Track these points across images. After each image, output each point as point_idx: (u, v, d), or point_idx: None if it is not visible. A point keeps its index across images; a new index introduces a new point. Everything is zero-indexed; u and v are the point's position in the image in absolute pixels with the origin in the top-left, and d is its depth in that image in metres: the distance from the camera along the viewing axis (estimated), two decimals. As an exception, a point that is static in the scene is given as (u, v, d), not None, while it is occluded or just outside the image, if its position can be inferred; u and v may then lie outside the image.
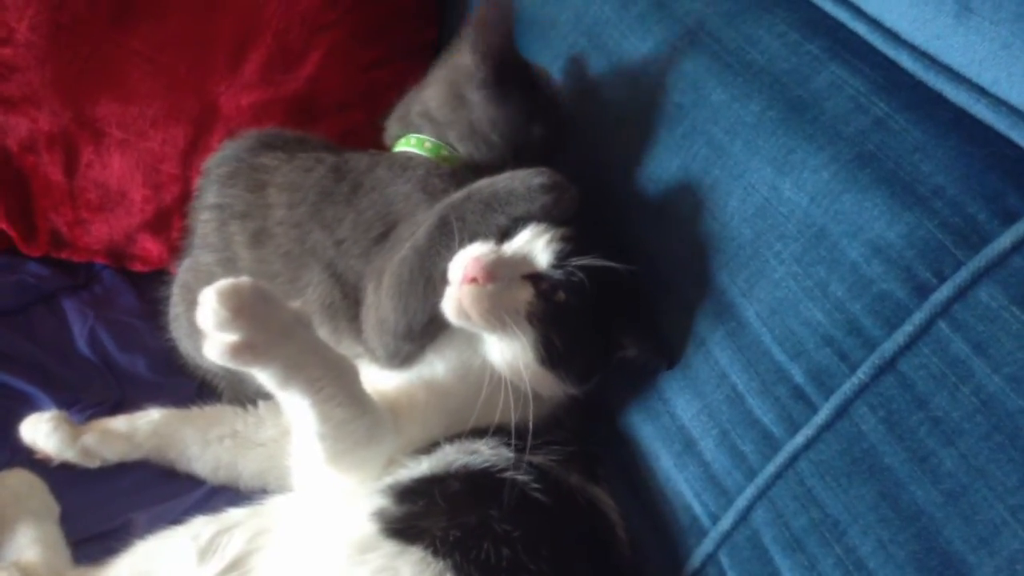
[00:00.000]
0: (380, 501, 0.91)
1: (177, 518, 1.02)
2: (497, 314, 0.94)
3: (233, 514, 1.00)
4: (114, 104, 1.45)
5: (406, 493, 0.92)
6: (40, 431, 1.11)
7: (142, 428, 1.15)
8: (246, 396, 1.18)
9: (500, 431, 0.96)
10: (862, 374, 0.78)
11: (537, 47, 1.38)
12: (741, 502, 0.88)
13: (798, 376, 0.85)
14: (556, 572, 0.85)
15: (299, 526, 0.97)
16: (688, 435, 0.96)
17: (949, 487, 0.71)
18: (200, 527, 0.98)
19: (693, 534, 0.94)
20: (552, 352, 0.96)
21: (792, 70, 0.95)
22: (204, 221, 1.19)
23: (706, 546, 0.92)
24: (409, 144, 1.16)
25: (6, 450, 1.12)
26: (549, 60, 1.33)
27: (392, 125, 1.23)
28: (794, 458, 0.84)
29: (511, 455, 0.93)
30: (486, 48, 1.09)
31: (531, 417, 0.94)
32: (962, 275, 0.73)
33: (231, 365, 0.84)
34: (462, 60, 1.12)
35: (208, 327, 0.81)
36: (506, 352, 0.97)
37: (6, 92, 1.43)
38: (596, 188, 1.18)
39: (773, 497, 0.86)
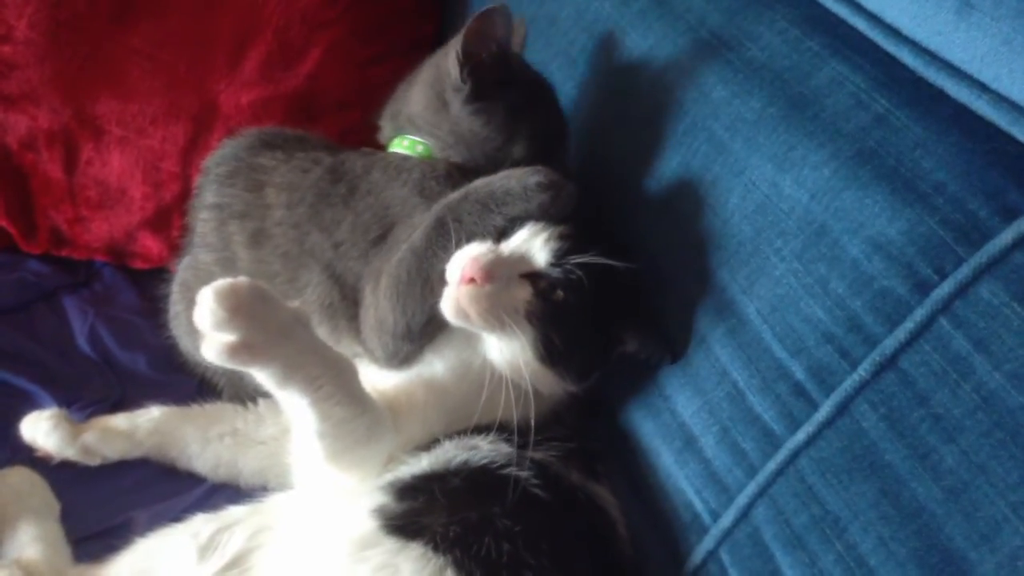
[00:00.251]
0: (380, 498, 0.91)
1: (177, 516, 1.02)
2: (496, 314, 0.94)
3: (233, 512, 1.00)
4: (114, 102, 1.45)
5: (406, 490, 0.92)
6: (40, 429, 1.11)
7: (142, 426, 1.15)
8: (246, 394, 1.19)
9: (500, 428, 0.96)
10: (863, 371, 0.78)
11: (538, 46, 1.38)
12: (742, 499, 0.88)
13: (799, 373, 0.84)
14: (557, 568, 0.85)
15: (299, 524, 0.97)
16: (689, 432, 0.96)
17: (950, 484, 0.71)
18: (200, 525, 0.98)
19: (694, 531, 0.94)
20: (552, 350, 0.96)
21: (793, 67, 0.95)
22: (203, 220, 1.19)
23: (707, 543, 0.92)
24: (402, 146, 1.16)
25: (6, 448, 1.12)
26: (549, 58, 1.33)
27: (385, 125, 1.22)
28: (795, 455, 0.84)
29: (511, 451, 0.93)
30: (472, 61, 1.07)
31: (532, 414, 0.94)
32: (963, 272, 0.73)
33: (229, 365, 0.84)
34: (447, 68, 1.10)
35: (205, 327, 0.81)
36: (505, 351, 0.97)
37: (6, 90, 1.43)
38: (597, 185, 1.18)
39: (774, 494, 0.86)
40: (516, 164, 1.08)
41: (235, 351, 0.82)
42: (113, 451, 1.14)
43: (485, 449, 0.95)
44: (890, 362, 0.77)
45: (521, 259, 0.96)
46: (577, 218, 1.00)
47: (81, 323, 1.38)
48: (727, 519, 0.90)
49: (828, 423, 0.81)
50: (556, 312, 0.96)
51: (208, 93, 1.48)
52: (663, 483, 0.99)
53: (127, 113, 1.45)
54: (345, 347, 1.06)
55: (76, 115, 1.44)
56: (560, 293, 0.96)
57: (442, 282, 0.96)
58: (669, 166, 1.06)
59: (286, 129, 1.27)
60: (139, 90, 1.46)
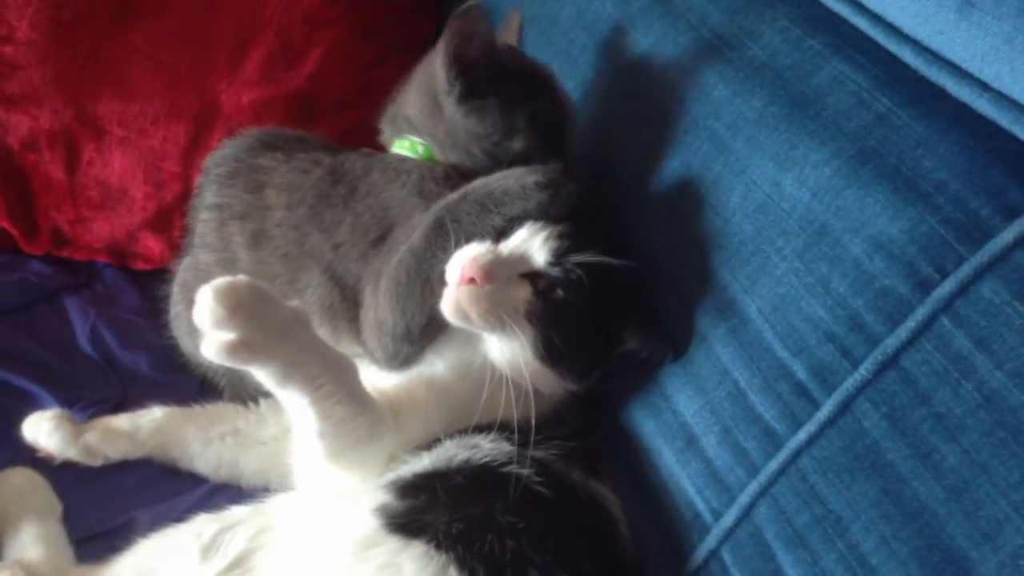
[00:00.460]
0: (382, 497, 0.92)
1: (179, 516, 1.02)
2: (496, 314, 0.94)
3: (236, 512, 1.00)
4: (115, 102, 1.45)
5: (408, 488, 0.92)
6: (42, 429, 1.12)
7: (144, 426, 1.16)
8: (247, 394, 1.19)
9: (501, 427, 0.96)
10: (864, 370, 0.78)
11: (538, 45, 1.38)
12: (744, 498, 0.88)
13: (800, 372, 0.84)
14: (561, 565, 0.85)
15: (302, 524, 0.97)
16: (690, 431, 0.96)
17: (952, 483, 0.71)
18: (202, 525, 0.98)
19: (696, 530, 0.94)
20: (552, 350, 0.96)
21: (794, 66, 0.95)
22: (203, 221, 1.19)
23: (709, 542, 0.92)
24: (403, 147, 1.16)
25: (8, 449, 1.12)
26: (550, 57, 1.33)
27: (385, 127, 1.22)
28: (796, 454, 0.84)
29: (512, 450, 0.93)
30: (459, 62, 1.06)
31: (533, 413, 0.94)
32: (964, 271, 0.73)
33: (229, 364, 0.84)
34: (436, 70, 1.09)
35: (205, 326, 0.81)
36: (506, 350, 0.97)
37: (7, 90, 1.43)
38: (598, 184, 1.18)
39: (776, 494, 0.85)
40: (517, 157, 1.08)
41: (235, 349, 0.82)
42: (115, 451, 1.15)
43: (486, 448, 0.95)
44: (891, 361, 0.76)
45: (520, 259, 0.96)
46: (577, 216, 1.00)
47: (83, 324, 1.38)
48: (729, 518, 0.90)
49: (830, 422, 0.81)
50: (556, 311, 0.96)
51: (209, 93, 1.48)
52: (665, 482, 0.99)
53: (128, 113, 1.45)
54: (345, 347, 1.06)
55: (77, 115, 1.44)
56: (560, 292, 0.96)
57: (442, 283, 0.96)
58: (670, 165, 1.06)
59: (286, 129, 1.27)
60: (140, 90, 1.46)
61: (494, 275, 0.94)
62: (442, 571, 0.82)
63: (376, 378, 1.04)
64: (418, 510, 0.89)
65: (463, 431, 0.98)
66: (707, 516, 0.93)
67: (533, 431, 0.94)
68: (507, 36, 1.23)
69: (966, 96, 0.79)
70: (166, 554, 0.98)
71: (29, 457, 1.12)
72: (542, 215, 0.98)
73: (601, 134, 1.22)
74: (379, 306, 1.02)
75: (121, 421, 1.16)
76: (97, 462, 1.14)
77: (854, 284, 0.81)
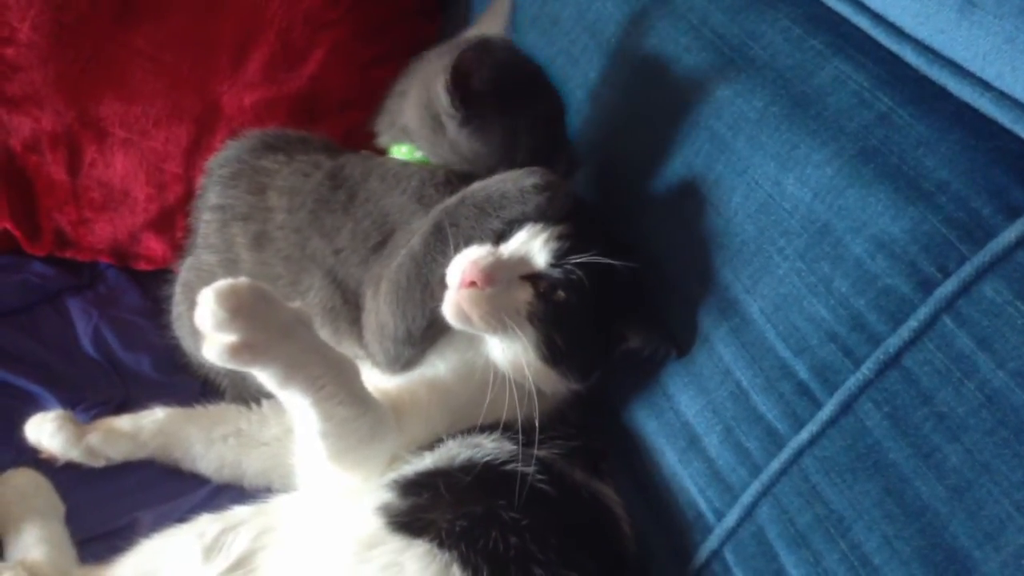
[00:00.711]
0: (384, 495, 0.92)
1: (182, 516, 1.02)
2: (497, 316, 0.94)
3: (238, 512, 1.00)
4: (117, 103, 1.45)
5: (410, 486, 0.92)
6: (45, 430, 1.12)
7: (147, 427, 1.16)
8: (249, 395, 1.19)
9: (503, 427, 0.96)
10: (866, 370, 0.78)
11: (540, 45, 1.38)
12: (746, 498, 0.88)
13: (802, 372, 0.84)
14: (565, 562, 0.85)
15: (304, 524, 0.98)
16: (692, 431, 0.96)
17: (954, 482, 0.71)
18: (205, 525, 0.98)
19: (698, 530, 0.94)
20: (554, 350, 0.96)
21: (795, 65, 0.95)
22: (206, 221, 1.19)
23: (711, 543, 0.92)
24: (401, 152, 1.15)
25: (11, 449, 1.12)
26: (551, 57, 1.33)
27: (381, 131, 1.20)
28: (799, 454, 0.84)
29: (514, 448, 0.93)
30: (463, 92, 1.04)
31: (536, 413, 0.95)
32: (966, 270, 0.73)
33: (230, 366, 0.84)
34: (438, 90, 1.06)
35: (206, 328, 0.81)
36: (508, 352, 0.98)
37: (9, 92, 1.43)
38: (600, 184, 1.18)
39: (778, 493, 0.85)
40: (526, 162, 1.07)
41: (236, 351, 0.82)
42: (117, 452, 1.15)
43: (489, 447, 0.95)
44: (894, 361, 0.76)
45: (521, 261, 0.96)
46: (576, 217, 0.99)
47: (85, 325, 1.38)
48: (731, 518, 0.90)
49: (832, 422, 0.81)
50: (558, 312, 0.96)
51: (211, 94, 1.48)
52: (667, 482, 0.99)
53: (130, 115, 1.45)
54: (347, 349, 1.06)
55: (79, 117, 1.44)
56: (561, 293, 0.96)
57: (442, 286, 0.96)
58: (672, 165, 1.06)
59: (289, 130, 1.26)
60: (142, 92, 1.46)
61: (495, 278, 0.94)
62: (445, 570, 0.82)
63: (378, 379, 1.04)
64: (421, 508, 0.89)
65: (465, 431, 0.98)
66: (709, 516, 0.93)
67: (536, 431, 0.94)
68: (494, 20, 1.22)
69: (968, 95, 0.79)
70: (169, 554, 0.98)
71: (32, 458, 1.12)
72: (540, 217, 0.98)
73: (603, 134, 1.22)
74: (380, 310, 1.02)
75: (123, 422, 1.16)
76: (99, 463, 1.14)
77: (856, 284, 0.81)
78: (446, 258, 0.97)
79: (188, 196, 1.40)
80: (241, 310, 0.81)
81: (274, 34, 1.51)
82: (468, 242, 0.98)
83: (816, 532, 0.81)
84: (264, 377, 0.87)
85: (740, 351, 0.92)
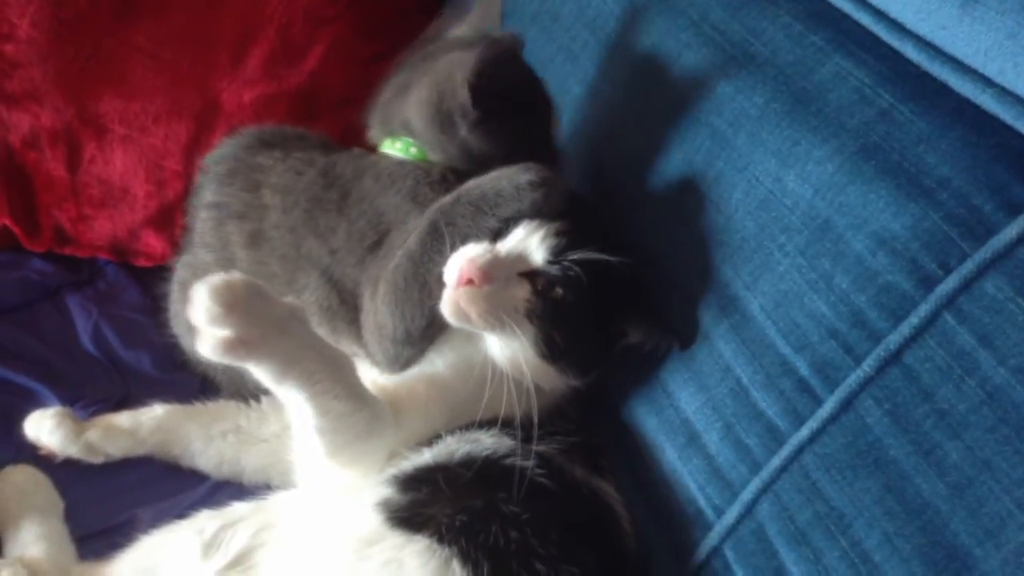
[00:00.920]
0: (384, 491, 0.92)
1: (181, 513, 1.02)
2: (496, 314, 0.94)
3: (237, 509, 1.00)
4: (116, 100, 1.45)
5: (410, 481, 0.92)
6: (44, 427, 1.12)
7: (146, 424, 1.16)
8: (247, 391, 1.19)
9: (502, 422, 0.97)
10: (867, 367, 0.78)
11: (540, 42, 1.38)
12: (746, 495, 0.88)
13: (803, 369, 0.84)
14: (566, 557, 0.84)
15: (303, 521, 0.97)
16: (692, 428, 0.96)
17: (955, 480, 0.70)
18: (204, 522, 0.98)
19: (698, 527, 0.94)
20: (553, 347, 0.96)
21: (796, 62, 0.95)
22: (202, 219, 1.19)
23: (711, 539, 0.92)
24: (395, 148, 1.14)
25: (10, 446, 1.12)
26: (551, 54, 1.33)
27: (375, 126, 1.20)
28: (799, 451, 0.83)
29: (513, 444, 0.93)
30: (485, 91, 1.03)
31: (535, 409, 0.95)
32: (968, 267, 0.72)
33: (225, 361, 0.84)
34: (453, 91, 1.05)
35: (201, 323, 0.81)
36: (507, 349, 0.97)
37: (8, 88, 1.43)
38: (599, 181, 1.18)
39: (778, 490, 0.85)
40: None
41: (231, 347, 0.82)
42: (116, 449, 1.15)
43: (488, 442, 0.95)
44: (894, 358, 0.76)
45: (518, 258, 0.96)
46: (573, 213, 0.99)
47: (85, 322, 1.38)
48: (731, 515, 0.90)
49: (832, 419, 0.81)
50: (556, 309, 0.96)
51: (210, 91, 1.48)
52: (667, 479, 0.99)
53: (130, 111, 1.45)
54: (344, 348, 1.06)
55: (79, 113, 1.44)
56: (559, 290, 0.96)
57: (440, 285, 0.96)
58: (672, 162, 1.06)
59: (286, 127, 1.26)
60: (142, 88, 1.46)
61: (492, 275, 0.94)
62: (445, 565, 0.82)
63: (376, 375, 1.04)
64: (420, 503, 0.89)
65: (464, 427, 0.98)
66: (709, 513, 0.93)
67: (536, 427, 0.94)
68: (487, 14, 1.21)
69: (969, 92, 0.79)
70: (168, 551, 0.98)
71: (31, 455, 1.12)
72: (536, 214, 0.98)
73: (603, 131, 1.22)
74: (378, 311, 1.02)
75: (123, 419, 1.16)
76: (99, 460, 1.14)
77: (857, 280, 0.81)
78: (443, 257, 0.97)
79: (187, 193, 1.39)
80: (235, 305, 0.80)
81: (274, 30, 1.51)
82: (464, 241, 0.98)
83: (816, 529, 0.81)
84: (259, 373, 0.87)
85: (740, 348, 0.91)
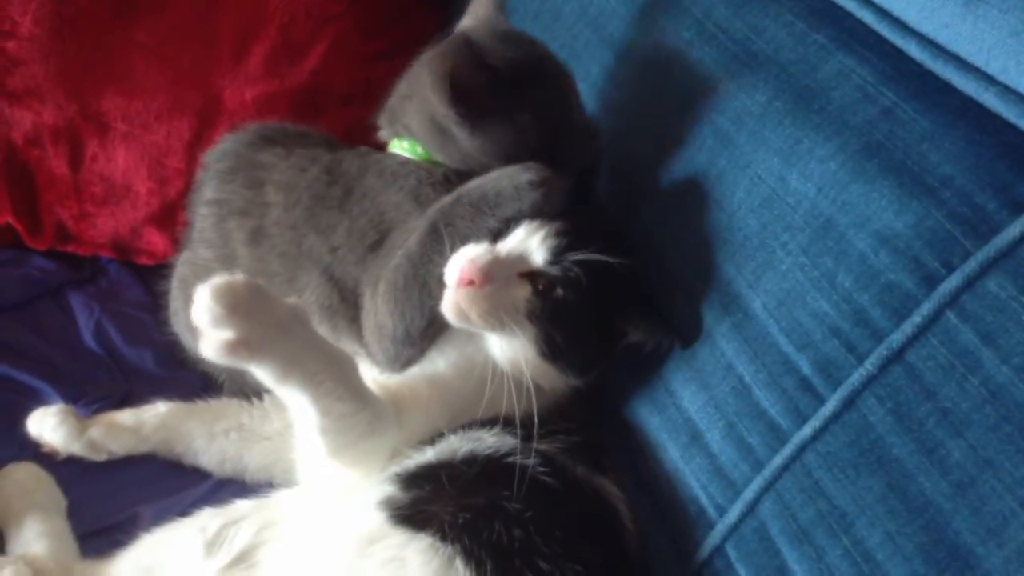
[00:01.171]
0: (387, 489, 0.92)
1: (184, 511, 1.02)
2: (496, 314, 0.94)
3: (240, 507, 1.00)
4: (118, 97, 1.45)
5: (412, 479, 0.92)
6: (47, 424, 1.12)
7: (148, 421, 1.16)
8: (249, 388, 1.18)
9: (504, 421, 0.96)
10: (870, 365, 0.78)
11: (541, 39, 1.38)
12: (748, 494, 0.88)
13: (805, 367, 0.84)
14: (569, 555, 0.84)
15: (306, 519, 0.98)
16: (694, 427, 0.96)
17: (957, 478, 0.70)
18: (207, 520, 0.98)
19: (700, 526, 0.94)
20: (554, 347, 0.96)
21: (799, 60, 0.94)
22: (202, 216, 1.19)
23: (713, 538, 0.92)
24: (402, 147, 1.14)
25: (13, 444, 1.13)
26: (553, 52, 1.33)
27: (384, 125, 1.19)
28: (801, 450, 0.83)
29: (515, 443, 0.93)
30: (455, 92, 1.00)
31: (535, 408, 0.95)
32: (971, 265, 0.72)
33: (228, 362, 0.84)
34: (434, 101, 1.03)
35: (203, 325, 0.81)
36: (507, 348, 0.98)
37: (10, 86, 1.43)
38: (601, 179, 1.17)
39: (780, 489, 0.85)
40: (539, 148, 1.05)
41: (233, 348, 0.82)
42: (119, 446, 1.15)
43: (490, 440, 0.95)
44: (897, 356, 0.76)
45: (519, 258, 0.96)
46: (573, 213, 0.99)
47: (87, 319, 1.38)
48: (733, 514, 0.90)
49: (835, 417, 0.81)
50: (556, 310, 0.96)
51: (212, 88, 1.48)
52: (669, 478, 0.99)
53: (132, 109, 1.45)
54: (345, 347, 1.06)
55: (81, 111, 1.44)
56: (559, 291, 0.96)
57: (440, 285, 0.96)
58: (674, 160, 1.06)
59: (288, 125, 1.26)
60: (144, 86, 1.46)
61: (493, 276, 0.94)
62: (448, 563, 0.82)
63: (378, 374, 1.04)
64: (423, 501, 0.89)
65: (466, 425, 0.98)
66: (711, 512, 0.93)
67: (536, 425, 0.94)
68: (484, 4, 1.20)
69: (972, 90, 0.79)
70: (170, 549, 0.98)
71: (33, 452, 1.12)
72: (537, 214, 0.98)
73: (605, 129, 1.21)
74: (378, 311, 1.02)
75: (125, 416, 1.16)
76: (101, 457, 1.14)
77: (859, 279, 0.81)
78: (443, 258, 0.97)
79: (189, 191, 1.40)
80: (238, 307, 0.80)
81: (276, 28, 1.51)
82: (465, 241, 0.97)
83: (818, 528, 0.80)
84: (262, 374, 0.87)
85: (743, 346, 0.91)
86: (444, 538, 0.83)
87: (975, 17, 0.79)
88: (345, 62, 1.56)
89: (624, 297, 0.99)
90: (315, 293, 1.08)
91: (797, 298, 0.86)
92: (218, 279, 0.81)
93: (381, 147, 1.19)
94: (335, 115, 1.52)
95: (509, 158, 1.03)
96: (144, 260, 1.51)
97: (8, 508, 1.06)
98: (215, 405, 1.20)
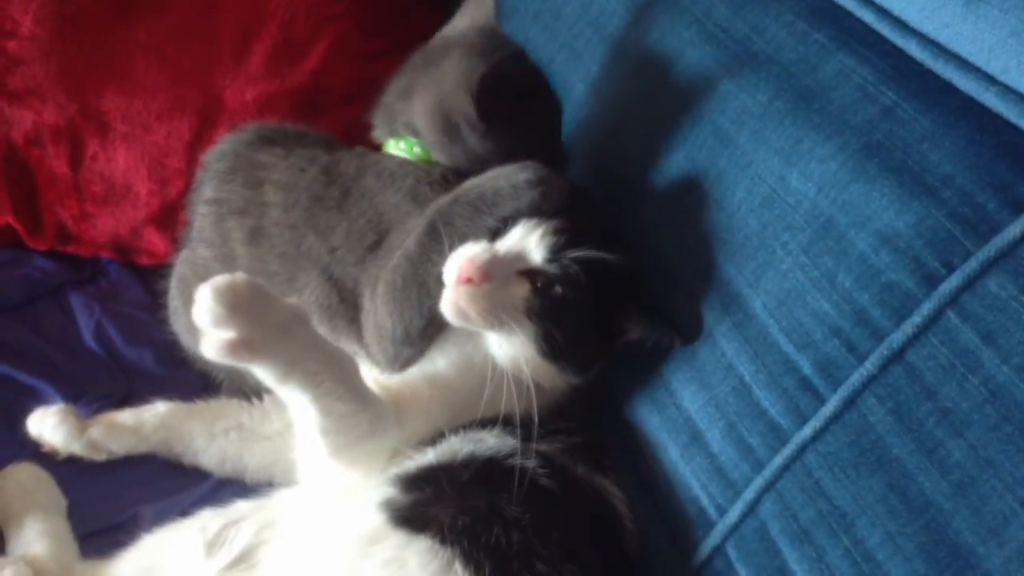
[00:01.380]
0: (387, 490, 0.92)
1: (184, 511, 1.02)
2: (495, 313, 0.94)
3: (240, 507, 1.00)
4: (119, 97, 1.45)
5: (413, 481, 0.92)
6: (47, 424, 1.12)
7: (149, 421, 1.16)
8: (249, 388, 1.18)
9: (505, 422, 0.96)
10: (870, 365, 0.78)
11: (542, 39, 1.38)
12: (748, 494, 0.88)
13: (806, 367, 0.84)
14: (567, 558, 0.84)
15: (306, 519, 0.98)
16: (695, 427, 0.96)
17: (958, 478, 0.70)
18: (207, 520, 0.98)
19: (700, 526, 0.94)
20: (553, 345, 0.96)
21: (799, 59, 0.94)
22: (202, 215, 1.19)
23: (713, 538, 0.92)
24: (399, 148, 1.14)
25: (13, 444, 1.12)
26: (554, 51, 1.33)
27: (379, 125, 1.19)
28: (802, 450, 0.83)
29: (516, 443, 0.93)
30: (491, 102, 1.03)
31: (535, 407, 0.95)
32: (971, 265, 0.72)
33: (229, 362, 0.84)
34: (458, 101, 1.05)
35: (204, 324, 0.81)
36: (507, 347, 0.98)
37: (11, 85, 1.43)
38: (601, 178, 1.17)
39: (780, 489, 0.85)
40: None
41: (234, 348, 0.82)
42: (119, 446, 1.15)
43: (491, 441, 0.95)
44: (897, 356, 0.76)
45: (517, 256, 0.96)
46: (572, 210, 0.99)
47: (87, 319, 1.38)
48: (733, 514, 0.90)
49: (835, 417, 0.81)
50: (555, 308, 0.96)
51: (213, 88, 1.48)
52: (669, 478, 0.99)
53: (132, 109, 1.45)
54: (345, 347, 1.06)
55: (81, 110, 1.44)
56: (558, 289, 0.96)
57: (439, 285, 0.96)
58: (675, 159, 1.06)
59: (287, 125, 1.26)
60: (144, 85, 1.46)
61: (491, 274, 0.94)
62: (447, 565, 0.82)
63: (378, 374, 1.04)
64: (423, 503, 0.89)
65: (467, 425, 0.98)
66: (712, 512, 0.93)
67: (536, 425, 0.94)
68: (480, 7, 1.20)
69: (973, 90, 0.79)
70: (171, 549, 0.98)
71: (33, 452, 1.12)
72: (534, 212, 0.98)
73: (606, 129, 1.22)
74: (377, 311, 1.02)
75: (125, 416, 1.16)
76: (101, 457, 1.14)
77: (860, 278, 0.81)
78: (441, 257, 0.97)
79: (190, 191, 1.40)
80: (239, 306, 0.81)
81: (276, 27, 1.51)
82: (463, 240, 0.98)
83: (819, 528, 0.81)
84: (262, 373, 0.87)
85: (743, 346, 0.91)
86: (444, 540, 0.83)
87: (975, 17, 0.79)
88: (345, 61, 1.56)
89: (623, 294, 0.99)
90: (314, 293, 1.08)
91: (797, 298, 0.86)
92: (219, 279, 0.81)
93: (376, 147, 1.19)
94: (335, 114, 1.52)
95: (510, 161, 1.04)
96: (144, 260, 1.51)
97: (8, 508, 1.06)
98: (215, 405, 1.20)
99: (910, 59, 0.85)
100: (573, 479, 0.95)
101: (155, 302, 1.36)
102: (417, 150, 1.12)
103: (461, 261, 0.94)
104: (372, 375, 1.02)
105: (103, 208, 1.48)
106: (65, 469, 1.12)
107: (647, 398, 1.04)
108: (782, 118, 0.92)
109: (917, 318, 0.75)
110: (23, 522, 1.04)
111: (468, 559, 0.82)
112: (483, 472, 0.91)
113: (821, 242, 0.85)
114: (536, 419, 0.95)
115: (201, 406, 1.19)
